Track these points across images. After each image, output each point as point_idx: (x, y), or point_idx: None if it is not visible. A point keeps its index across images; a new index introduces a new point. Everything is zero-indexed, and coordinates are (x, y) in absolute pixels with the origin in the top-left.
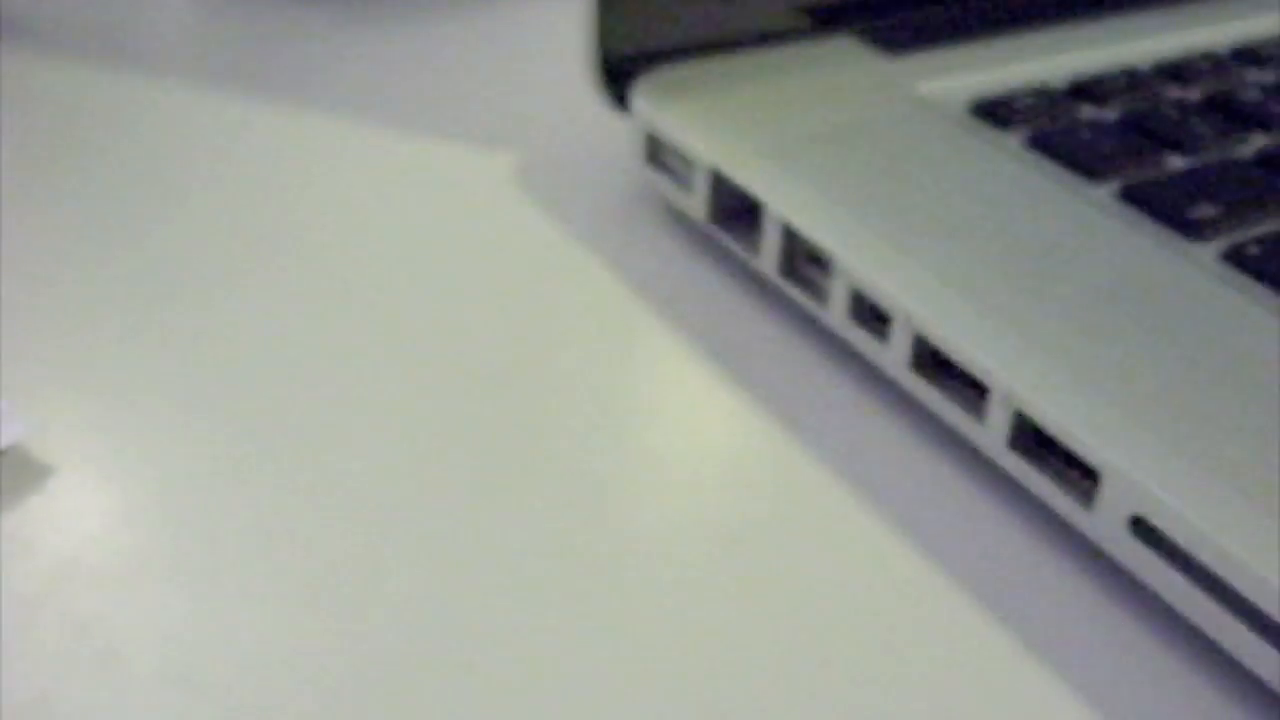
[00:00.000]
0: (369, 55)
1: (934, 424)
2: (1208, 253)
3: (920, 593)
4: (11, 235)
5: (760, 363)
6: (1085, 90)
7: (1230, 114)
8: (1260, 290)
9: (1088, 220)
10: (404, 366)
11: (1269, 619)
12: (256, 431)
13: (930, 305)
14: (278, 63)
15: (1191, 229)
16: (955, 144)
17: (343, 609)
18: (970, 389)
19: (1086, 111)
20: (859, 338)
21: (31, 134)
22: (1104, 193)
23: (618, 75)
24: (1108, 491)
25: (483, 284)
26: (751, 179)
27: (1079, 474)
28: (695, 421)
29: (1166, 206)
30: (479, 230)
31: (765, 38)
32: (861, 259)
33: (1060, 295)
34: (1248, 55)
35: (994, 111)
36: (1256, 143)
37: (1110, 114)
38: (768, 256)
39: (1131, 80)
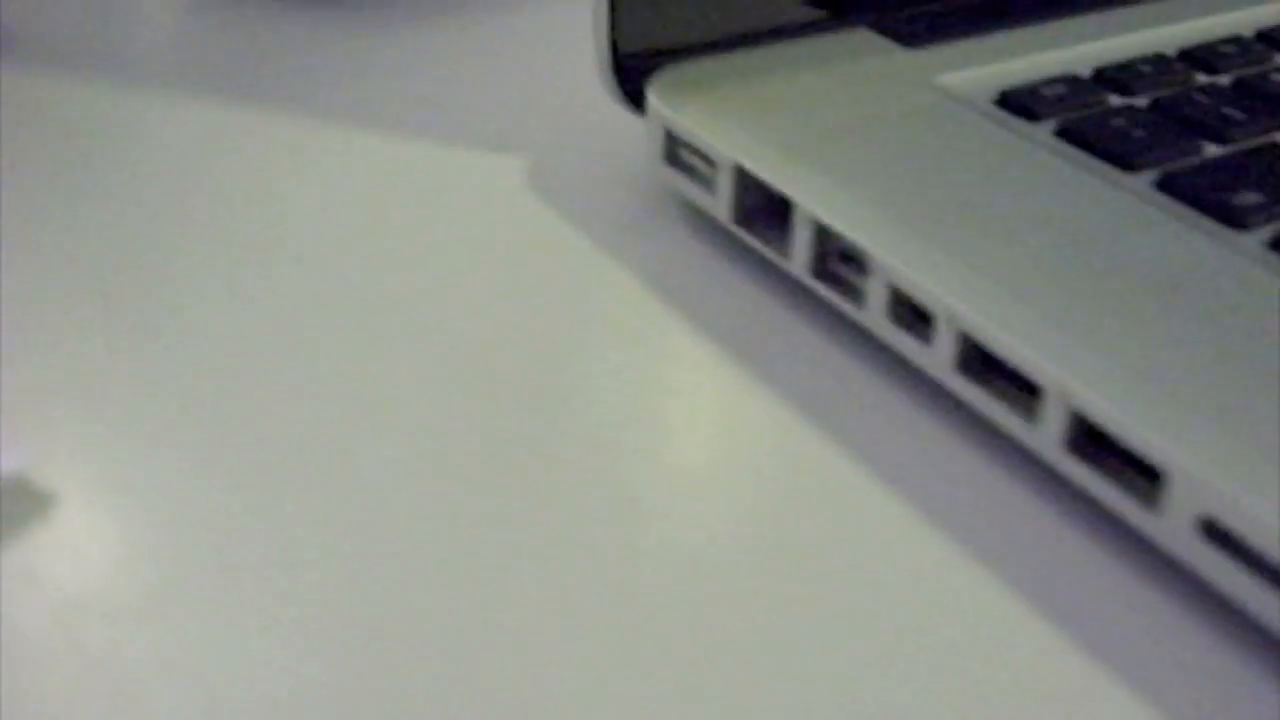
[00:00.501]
0: (370, 61)
1: (980, 426)
2: (1254, 241)
3: (978, 604)
4: (3, 252)
5: (794, 367)
6: (1111, 79)
7: (1263, 99)
8: None
9: (1128, 211)
10: (424, 381)
11: None
12: (269, 452)
13: (976, 303)
14: (277, 71)
15: (1235, 217)
16: (985, 136)
17: (365, 638)
18: (1020, 389)
19: (1115, 100)
20: (898, 339)
21: (23, 148)
22: (1141, 182)
23: (631, 74)
24: (1174, 492)
25: (503, 292)
26: (779, 176)
27: (1141, 475)
28: (731, 429)
29: (1208, 195)
30: (495, 237)
31: (780, 32)
32: (900, 256)
33: (1109, 289)
34: (1273, 39)
35: (1021, 102)
36: None
37: (1140, 102)
38: (798, 257)
39: (1157, 68)
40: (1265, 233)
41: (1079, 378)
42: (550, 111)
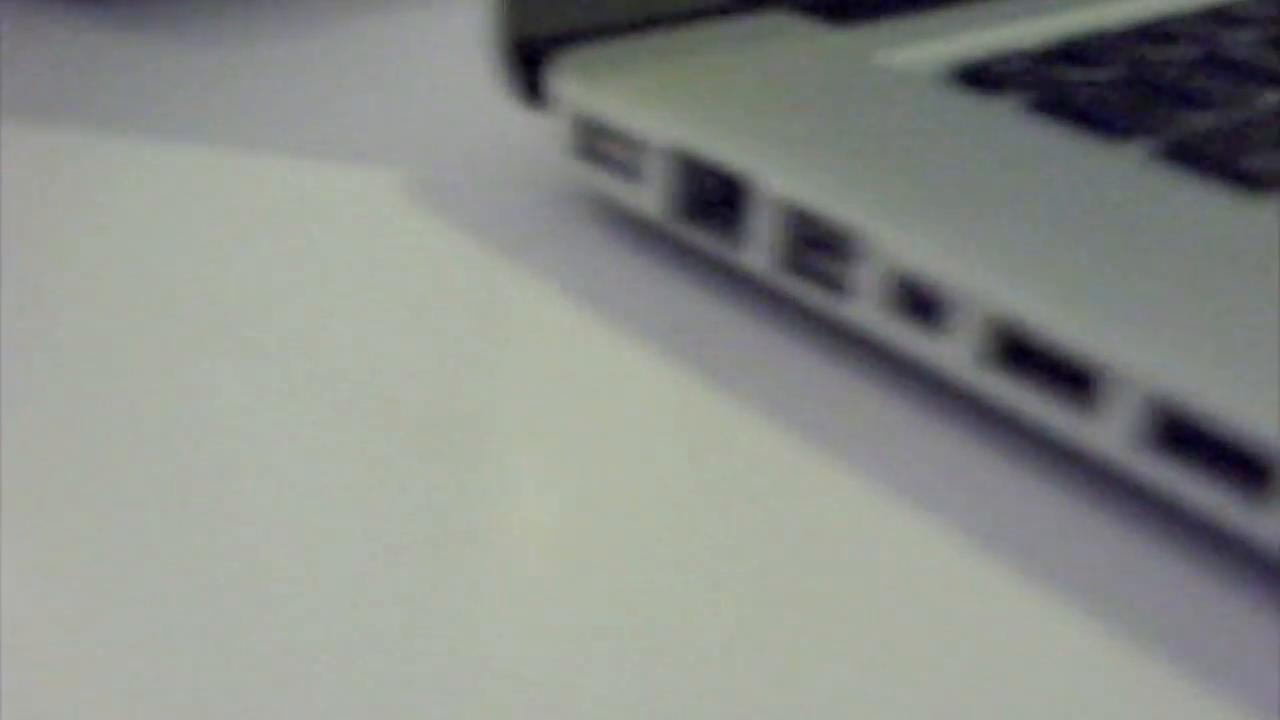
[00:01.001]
0: (218, 78)
1: (1009, 427)
2: (1275, 205)
3: (1074, 646)
4: None
5: (770, 380)
6: (1069, 53)
7: (1236, 70)
8: None
9: (1133, 180)
10: (332, 436)
11: None
12: (170, 519)
13: (1010, 285)
14: (108, 92)
15: (1251, 182)
16: (953, 111)
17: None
18: (1063, 381)
19: (1079, 74)
20: (897, 332)
21: None
22: (1136, 152)
23: (529, 61)
24: None
25: (405, 323)
26: (734, 155)
27: (1240, 471)
28: (721, 464)
29: (1220, 161)
30: (386, 259)
31: (689, 15)
32: (903, 236)
33: (1149, 264)
34: (1221, 17)
35: (981, 77)
36: (1271, 98)
37: (1109, 75)
38: (757, 248)
39: (1113, 42)
40: None
41: (1156, 363)
42: (424, 118)
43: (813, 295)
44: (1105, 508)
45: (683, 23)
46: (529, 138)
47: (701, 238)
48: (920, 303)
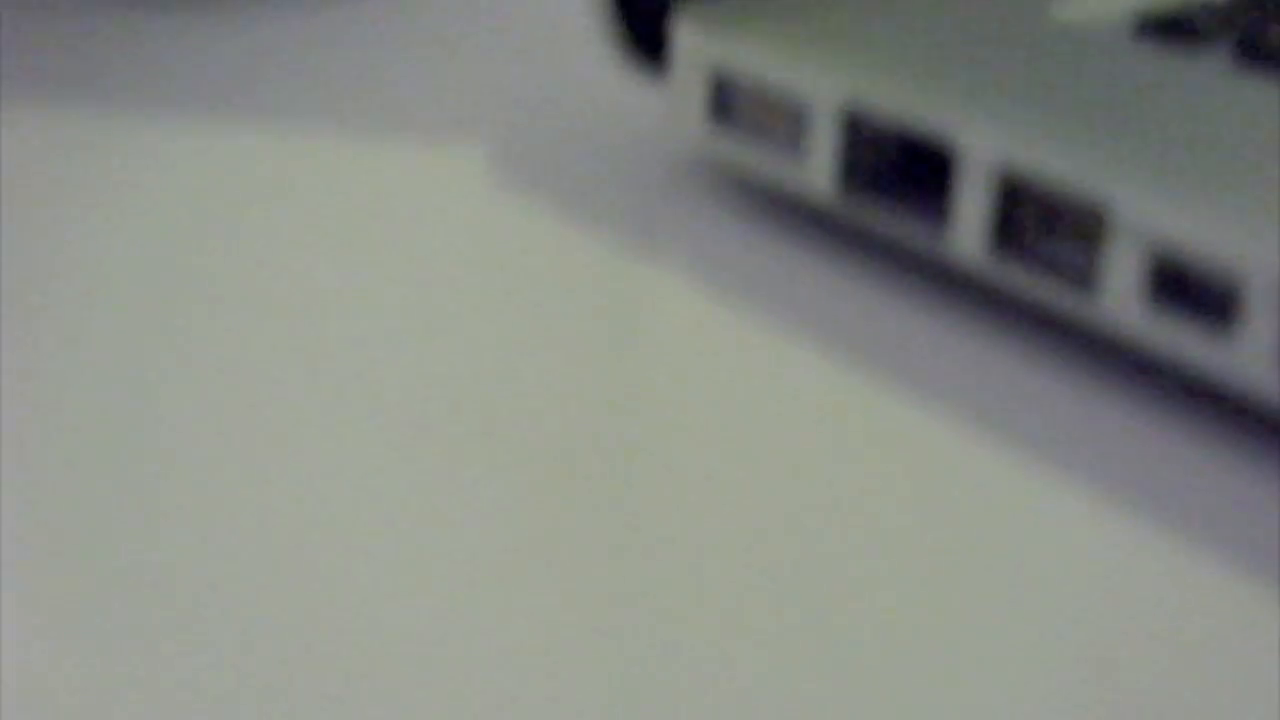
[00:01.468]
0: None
1: None
2: None
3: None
4: None
5: (990, 397)
6: (1260, 2)
7: None
8: None
9: None
10: (438, 456)
11: None
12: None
13: None
14: (135, 72)
15: None
16: (1158, 67)
17: None
18: None
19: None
20: (1163, 331)
21: None
22: None
23: (646, 14)
24: None
25: (525, 334)
26: (936, 113)
27: None
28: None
29: None
30: (478, 255)
31: None
32: (1183, 211)
33: None
34: None
35: (1170, 31)
36: None
37: None
38: (967, 228)
39: None
40: None
41: None
42: (514, 90)
43: (1038, 287)
44: None
45: None
46: (634, 109)
47: (885, 216)
48: (1192, 295)
